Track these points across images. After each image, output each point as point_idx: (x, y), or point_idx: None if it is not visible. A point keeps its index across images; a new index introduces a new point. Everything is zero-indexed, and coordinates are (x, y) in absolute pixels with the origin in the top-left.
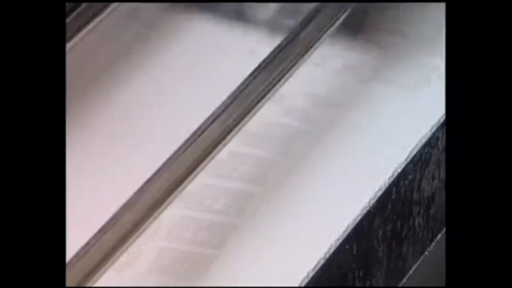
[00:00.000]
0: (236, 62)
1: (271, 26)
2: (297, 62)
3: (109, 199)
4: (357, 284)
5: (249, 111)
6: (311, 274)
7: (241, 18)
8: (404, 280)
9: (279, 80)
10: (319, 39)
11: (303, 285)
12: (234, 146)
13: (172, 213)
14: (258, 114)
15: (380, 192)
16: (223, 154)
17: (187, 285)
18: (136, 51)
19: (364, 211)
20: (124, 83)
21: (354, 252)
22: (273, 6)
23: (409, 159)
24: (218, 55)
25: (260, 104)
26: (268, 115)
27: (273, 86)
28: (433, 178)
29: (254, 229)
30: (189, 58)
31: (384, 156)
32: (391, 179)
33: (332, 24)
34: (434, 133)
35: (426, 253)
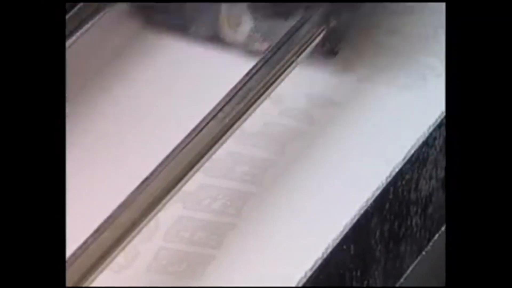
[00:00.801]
0: (211, 83)
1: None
2: (273, 83)
3: (106, 199)
4: (354, 284)
5: (246, 111)
6: (309, 274)
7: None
8: (402, 280)
9: (275, 80)
10: (294, 61)
11: (300, 285)
12: (232, 145)
13: (170, 213)
14: (257, 114)
15: (378, 192)
16: (221, 154)
17: (185, 285)
18: (111, 70)
19: (362, 211)
20: (102, 100)
21: (352, 252)
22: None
23: (407, 158)
24: (194, 76)
25: (256, 104)
26: (266, 114)
27: (270, 86)
28: (431, 177)
29: (252, 229)
30: (164, 77)
31: (381, 155)
32: (389, 179)
33: (307, 47)
34: (431, 133)
35: (423, 253)
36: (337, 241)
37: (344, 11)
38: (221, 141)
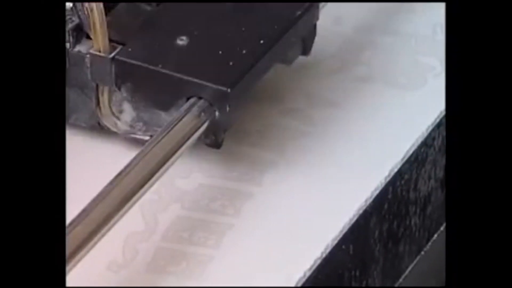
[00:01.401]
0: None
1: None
2: (158, 170)
3: None
4: (353, 284)
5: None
6: (308, 274)
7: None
8: (401, 280)
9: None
10: (179, 148)
11: (299, 285)
12: (231, 146)
13: (169, 213)
14: (256, 114)
15: (377, 192)
16: (220, 153)
17: (183, 285)
18: None
19: (361, 211)
20: None
21: (351, 252)
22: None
23: (406, 158)
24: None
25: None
26: (265, 114)
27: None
28: (430, 177)
29: (251, 229)
30: None
31: (380, 155)
32: (388, 179)
33: (190, 136)
34: (430, 133)
35: (422, 252)
36: (336, 241)
37: (228, 102)
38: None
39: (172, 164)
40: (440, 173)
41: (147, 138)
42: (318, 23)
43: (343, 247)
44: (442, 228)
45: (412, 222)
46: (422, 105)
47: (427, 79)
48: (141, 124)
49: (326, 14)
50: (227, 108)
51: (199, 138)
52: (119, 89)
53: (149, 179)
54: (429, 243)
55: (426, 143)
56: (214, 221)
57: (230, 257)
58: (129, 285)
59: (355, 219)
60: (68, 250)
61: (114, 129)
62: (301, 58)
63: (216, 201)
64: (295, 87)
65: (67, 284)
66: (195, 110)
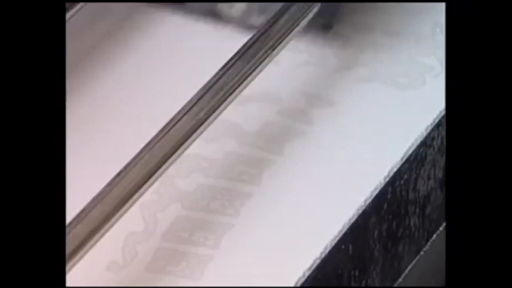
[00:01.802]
0: (208, 58)
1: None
2: (268, 56)
3: None
4: (353, 284)
5: (220, 104)
6: (307, 273)
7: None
8: (400, 280)
9: (250, 74)
10: (288, 34)
11: (298, 285)
12: (230, 145)
13: (168, 213)
14: (255, 114)
15: (376, 192)
16: (219, 153)
17: (183, 285)
18: (107, 45)
19: (360, 211)
20: (101, 74)
21: (350, 252)
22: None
23: (405, 158)
24: (190, 50)
25: (231, 97)
26: (264, 114)
27: (244, 80)
28: (429, 177)
29: (250, 229)
30: (162, 51)
31: (379, 155)
32: (387, 179)
33: (300, 21)
34: (429, 133)
35: (422, 252)
36: (335, 241)
37: None
38: (195, 135)
39: (286, 45)
40: (439, 173)
41: (260, 22)
42: (319, 23)
43: (343, 247)
44: (441, 228)
45: (412, 222)
46: (421, 105)
47: (426, 79)
48: (254, 9)
49: (327, 14)
50: None
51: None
52: None
53: (263, 60)
54: (428, 243)
55: (425, 143)
56: (213, 221)
57: (229, 257)
58: (129, 285)
59: (354, 219)
60: (68, 249)
61: (229, 15)
62: (299, 58)
63: (216, 201)
64: (295, 86)
65: (67, 284)
66: None
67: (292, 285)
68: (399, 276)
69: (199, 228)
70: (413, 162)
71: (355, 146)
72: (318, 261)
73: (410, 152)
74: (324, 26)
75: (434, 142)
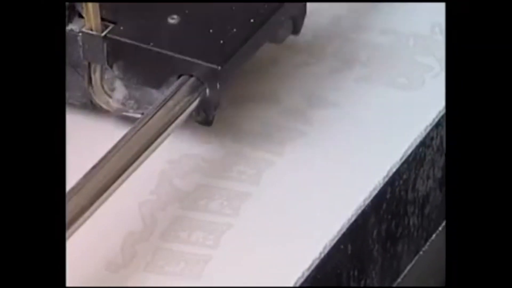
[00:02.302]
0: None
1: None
2: (147, 150)
3: None
4: (352, 284)
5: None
6: (306, 273)
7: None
8: (399, 279)
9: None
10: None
11: (298, 285)
12: (229, 146)
13: (167, 213)
14: (254, 114)
15: (375, 192)
16: (219, 153)
17: (182, 285)
18: None
19: (359, 211)
20: None
21: (349, 252)
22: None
23: (404, 158)
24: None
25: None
26: (264, 115)
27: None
28: (428, 177)
29: (249, 229)
30: None
31: (379, 155)
32: (386, 179)
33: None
34: (428, 133)
35: (421, 252)
36: (335, 241)
37: (218, 79)
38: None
39: (162, 141)
40: (439, 173)
41: (138, 116)
42: (317, 22)
43: (342, 247)
44: (440, 228)
45: (411, 222)
46: (420, 105)
47: (425, 79)
48: (132, 102)
49: (325, 14)
50: (218, 86)
51: (190, 116)
52: (111, 67)
53: (140, 156)
54: (428, 243)
55: (424, 143)
56: (212, 221)
57: (228, 257)
58: (127, 285)
59: (353, 219)
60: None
61: (106, 107)
62: (299, 58)
63: (215, 201)
64: (294, 87)
65: (67, 284)
66: (186, 87)
67: (291, 285)
68: (398, 276)
69: (198, 228)
70: (412, 162)
71: (354, 146)
72: (317, 261)
73: (409, 152)
74: (203, 120)
75: (433, 142)
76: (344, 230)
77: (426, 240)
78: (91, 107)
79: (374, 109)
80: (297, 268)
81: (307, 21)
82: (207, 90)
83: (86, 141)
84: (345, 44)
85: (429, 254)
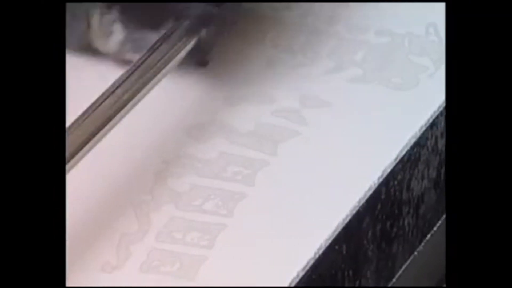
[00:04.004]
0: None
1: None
2: (142, 90)
3: None
4: (346, 284)
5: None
6: (301, 274)
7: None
8: (394, 280)
9: (142, 89)
10: (162, 69)
11: (292, 285)
12: (224, 146)
13: (162, 214)
14: (249, 113)
15: (370, 192)
16: (213, 154)
17: (177, 285)
18: None
19: (354, 211)
20: None
21: (344, 252)
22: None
23: (399, 159)
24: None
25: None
26: (258, 115)
27: (136, 95)
28: (423, 178)
29: (244, 229)
30: None
31: (373, 156)
32: (381, 179)
33: (174, 56)
34: (423, 133)
35: (415, 253)
36: (329, 241)
37: (215, 21)
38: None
39: (158, 82)
40: (433, 173)
41: (136, 58)
42: (312, 24)
43: (336, 247)
44: (435, 228)
45: (406, 222)
46: (415, 105)
47: (420, 79)
48: (131, 44)
49: (320, 14)
50: (214, 27)
51: (186, 57)
52: (109, 10)
53: (135, 96)
54: (422, 243)
55: (419, 143)
56: (207, 222)
57: (223, 257)
58: (122, 286)
59: (348, 219)
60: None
61: (105, 50)
62: (294, 59)
63: (210, 202)
64: (288, 87)
65: None
66: (182, 28)
67: (286, 285)
68: (393, 276)
69: (193, 228)
70: (407, 163)
71: (348, 146)
72: (312, 261)
73: (404, 152)
74: (199, 62)
75: (428, 143)
76: (339, 230)
77: (421, 241)
78: (90, 51)
79: (369, 109)
80: (292, 268)
81: (303, 21)
82: (204, 31)
83: (85, 83)
84: (340, 44)
85: (424, 254)
